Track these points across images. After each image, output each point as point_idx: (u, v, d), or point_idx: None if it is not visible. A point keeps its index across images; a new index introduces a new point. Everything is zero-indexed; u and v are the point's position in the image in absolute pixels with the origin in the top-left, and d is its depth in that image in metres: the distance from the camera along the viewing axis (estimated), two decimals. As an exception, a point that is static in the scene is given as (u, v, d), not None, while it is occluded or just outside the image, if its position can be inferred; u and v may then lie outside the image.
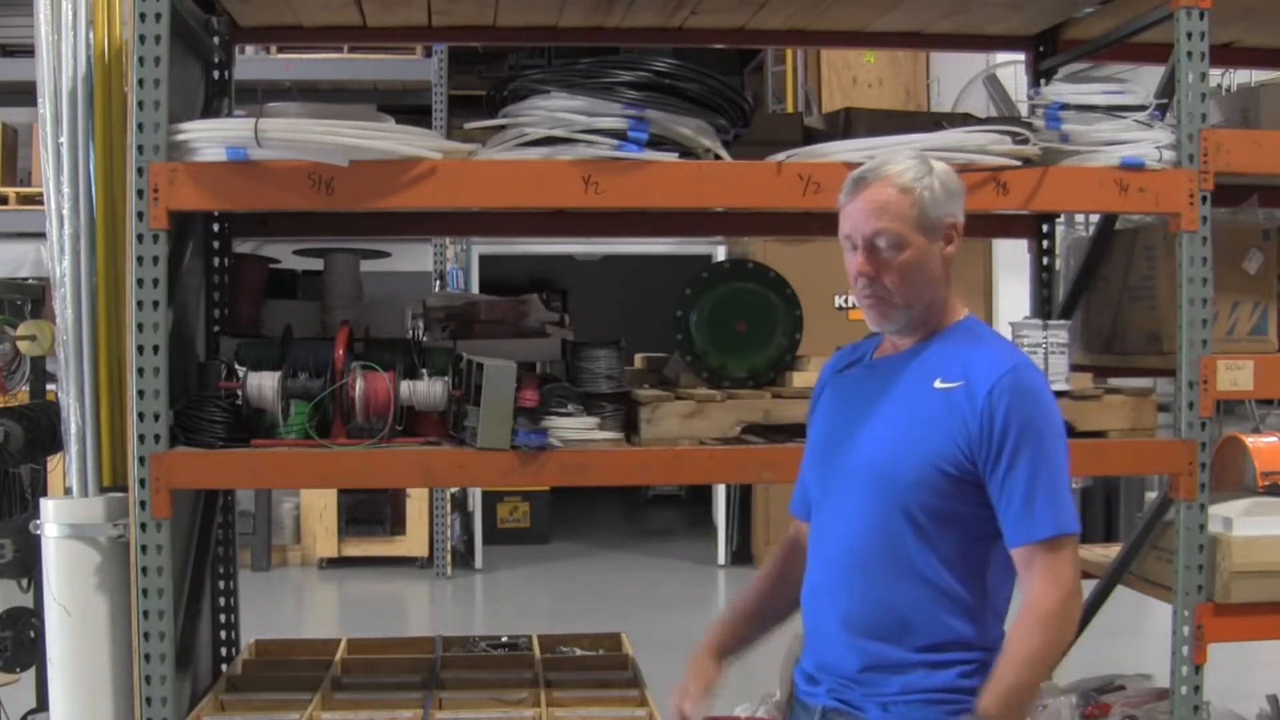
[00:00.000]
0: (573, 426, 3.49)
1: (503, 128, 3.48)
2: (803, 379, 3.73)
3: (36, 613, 4.00)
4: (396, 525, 9.77)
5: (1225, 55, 4.54)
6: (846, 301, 9.59)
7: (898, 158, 2.44)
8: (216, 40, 3.96)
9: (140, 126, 3.21)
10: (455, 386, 3.50)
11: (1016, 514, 2.31)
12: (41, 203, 3.60)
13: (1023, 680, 2.29)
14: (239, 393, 3.44)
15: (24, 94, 6.11)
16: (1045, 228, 4.53)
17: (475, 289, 10.14)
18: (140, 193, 3.21)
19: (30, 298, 4.78)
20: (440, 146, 3.35)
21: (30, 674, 4.21)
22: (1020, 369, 2.37)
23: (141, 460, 3.24)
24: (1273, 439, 5.40)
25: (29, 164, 9.64)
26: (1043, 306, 4.53)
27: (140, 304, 3.21)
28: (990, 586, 2.40)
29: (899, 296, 2.42)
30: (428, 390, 3.50)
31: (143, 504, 3.24)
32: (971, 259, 9.66)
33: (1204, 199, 3.56)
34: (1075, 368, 3.94)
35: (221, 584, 4.16)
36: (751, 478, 3.79)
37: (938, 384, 2.39)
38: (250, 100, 4.33)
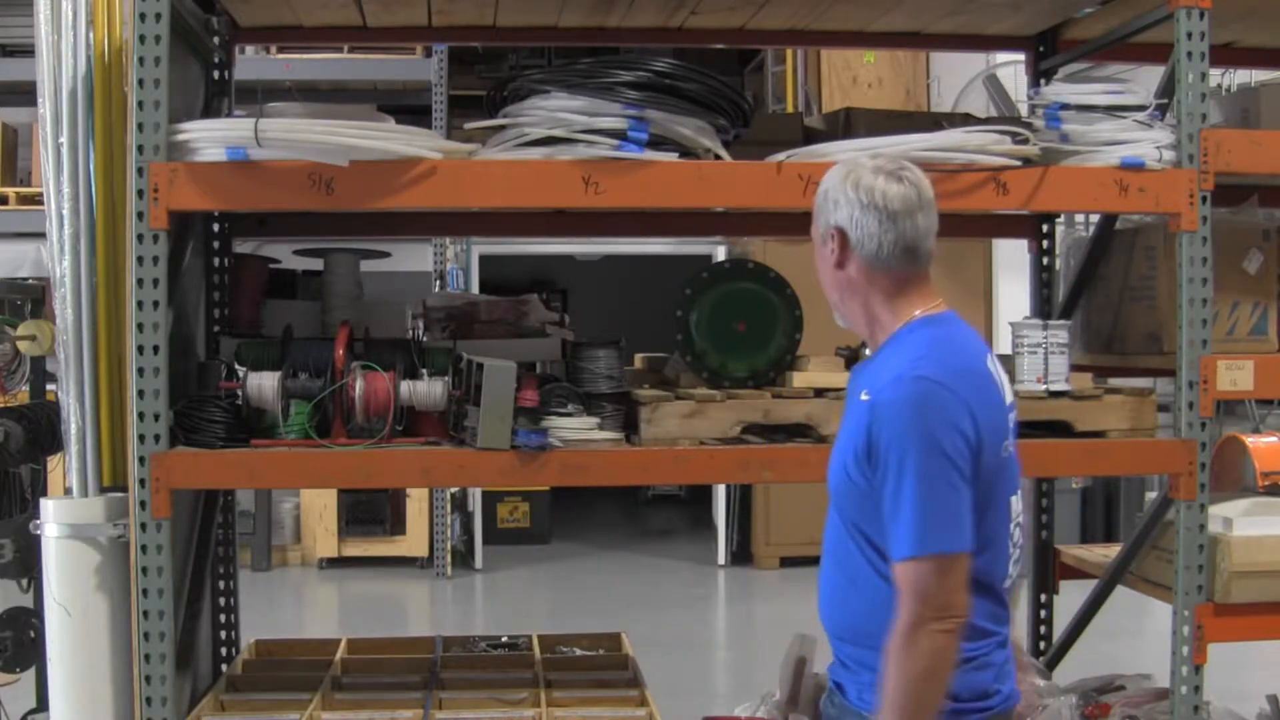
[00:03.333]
0: (573, 426, 3.49)
1: (503, 128, 3.48)
2: (803, 379, 3.73)
3: (36, 613, 3.99)
4: (396, 525, 9.77)
5: (1225, 55, 4.54)
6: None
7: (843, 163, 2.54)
8: (216, 40, 3.96)
9: (140, 126, 3.21)
10: (455, 386, 3.50)
11: (888, 531, 2.35)
12: (41, 203, 3.60)
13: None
14: (239, 393, 3.44)
15: (24, 94, 6.12)
16: (1045, 228, 4.53)
17: (475, 289, 10.14)
18: (140, 193, 3.21)
19: (30, 298, 4.78)
20: (440, 146, 3.35)
21: (30, 674, 4.21)
22: (900, 381, 2.36)
23: (141, 460, 3.24)
24: (1273, 439, 5.41)
25: (29, 164, 9.64)
26: (1043, 306, 4.53)
27: (140, 304, 3.21)
28: None
29: (828, 296, 2.60)
30: (428, 390, 3.50)
31: (143, 504, 3.24)
32: (971, 259, 9.67)
33: (1204, 199, 3.56)
34: (1075, 368, 3.94)
35: (221, 584, 4.16)
36: (751, 478, 3.79)
37: (863, 396, 2.45)
38: (250, 100, 4.34)
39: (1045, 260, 4.55)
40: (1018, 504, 2.53)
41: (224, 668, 4.12)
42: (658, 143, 3.38)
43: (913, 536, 2.30)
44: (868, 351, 2.64)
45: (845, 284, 2.53)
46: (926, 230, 2.48)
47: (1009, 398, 2.56)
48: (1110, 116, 3.62)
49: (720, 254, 9.68)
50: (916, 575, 2.29)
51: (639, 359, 4.29)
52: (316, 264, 4.14)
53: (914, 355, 2.41)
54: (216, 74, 4.05)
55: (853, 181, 2.47)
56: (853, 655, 2.51)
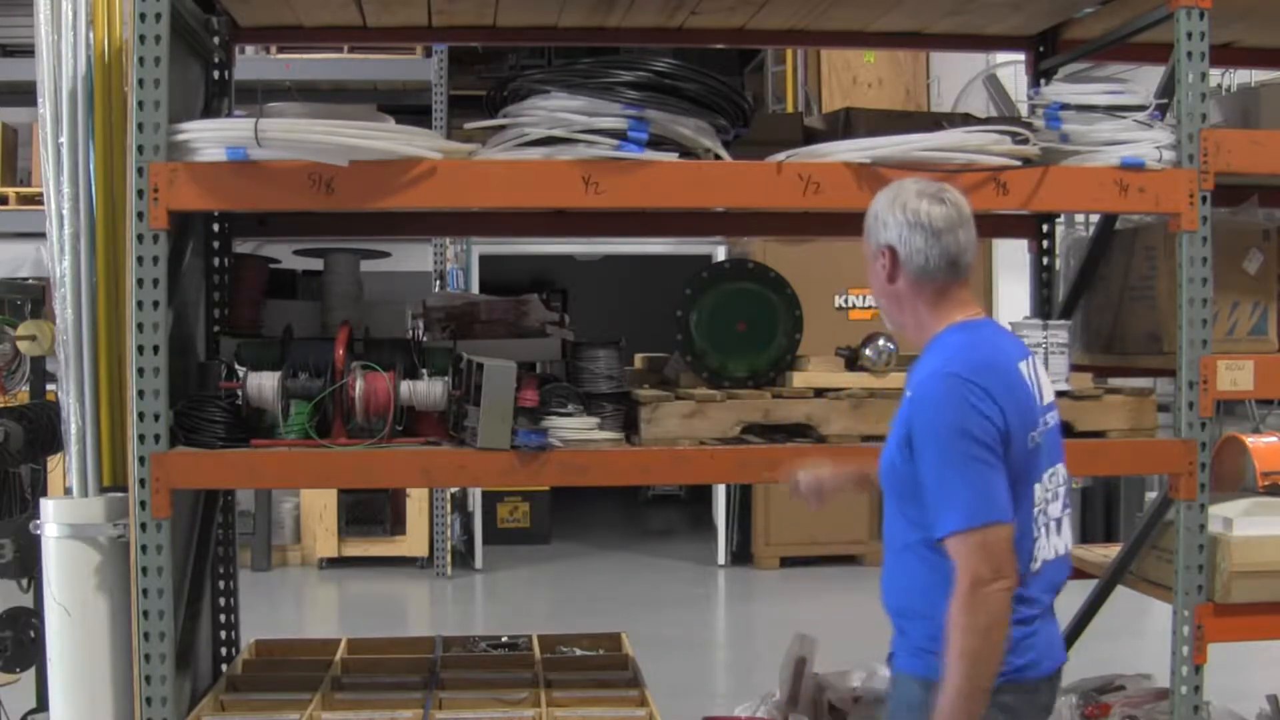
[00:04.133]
0: (573, 426, 3.49)
1: (503, 128, 3.48)
2: (803, 379, 3.73)
3: (36, 613, 3.99)
4: (396, 525, 9.76)
5: (1225, 55, 4.54)
6: (846, 301, 9.61)
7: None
8: (216, 40, 3.96)
9: (140, 126, 3.21)
10: (455, 386, 3.50)
11: (932, 512, 2.61)
12: (41, 203, 3.60)
13: (957, 678, 2.53)
14: (239, 393, 3.44)
15: (24, 94, 6.12)
16: (1045, 228, 4.53)
17: (475, 289, 10.13)
18: (140, 193, 3.21)
19: (30, 298, 4.79)
20: (440, 146, 3.35)
21: (30, 674, 4.21)
22: (927, 380, 2.67)
23: (141, 460, 3.24)
24: (1273, 439, 5.41)
25: (29, 164, 9.64)
26: (1043, 306, 4.53)
27: (140, 304, 3.21)
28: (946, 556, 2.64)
29: (881, 308, 2.88)
30: (428, 390, 3.50)
31: (143, 504, 3.24)
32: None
33: (1204, 199, 3.56)
34: (1075, 368, 3.94)
35: (221, 584, 4.16)
36: (751, 478, 3.79)
37: (907, 394, 2.75)
38: (250, 100, 4.34)
39: (1045, 260, 4.55)
40: (1041, 491, 2.75)
41: (224, 668, 4.12)
42: (658, 143, 3.38)
43: (960, 512, 2.56)
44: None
45: (896, 295, 2.81)
46: (967, 244, 2.76)
47: (1047, 398, 2.83)
48: (1110, 116, 3.62)
49: (720, 254, 9.68)
50: (968, 546, 2.55)
51: (639, 359, 4.29)
52: (316, 264, 4.15)
53: (946, 355, 2.70)
54: (216, 74, 4.05)
55: (900, 204, 2.75)
56: (898, 625, 2.80)
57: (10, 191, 9.32)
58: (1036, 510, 2.73)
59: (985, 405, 2.60)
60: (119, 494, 3.49)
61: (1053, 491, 2.79)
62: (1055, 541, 2.79)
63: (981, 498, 2.56)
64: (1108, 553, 4.26)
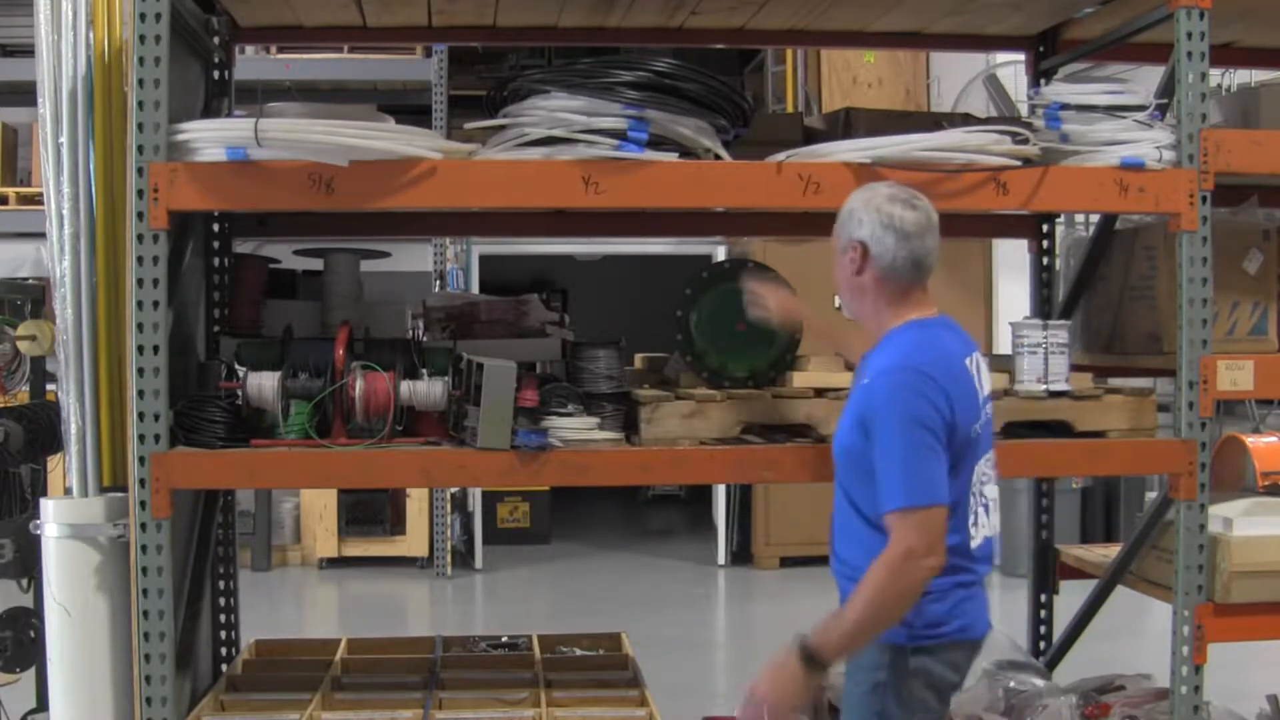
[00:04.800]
0: (573, 426, 3.49)
1: (503, 128, 3.48)
2: (803, 379, 3.73)
3: (36, 613, 3.99)
4: (396, 525, 9.76)
5: (1225, 55, 4.54)
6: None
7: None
8: (216, 40, 3.96)
9: (140, 126, 3.21)
10: (455, 386, 3.50)
11: (880, 488, 2.83)
12: (41, 203, 3.60)
13: (855, 623, 2.80)
14: (239, 393, 3.44)
15: (24, 94, 6.12)
16: (1045, 228, 4.53)
17: (475, 289, 10.12)
18: (140, 193, 3.21)
19: (30, 298, 4.78)
20: (440, 146, 3.35)
21: (30, 674, 4.21)
22: (891, 370, 2.88)
23: (141, 460, 3.24)
24: (1273, 439, 5.42)
25: (29, 164, 9.64)
26: (1043, 306, 4.53)
27: (140, 304, 3.21)
28: None
29: (841, 298, 3.10)
30: (428, 390, 3.50)
31: (143, 504, 3.24)
32: (971, 259, 9.67)
33: (1204, 199, 3.56)
34: (1075, 368, 3.94)
35: (221, 584, 4.16)
36: (751, 478, 3.79)
37: (863, 381, 2.97)
38: (250, 100, 4.33)
39: (1045, 260, 4.55)
40: (979, 473, 3.00)
41: (224, 668, 4.12)
42: (658, 143, 3.38)
43: (903, 491, 2.78)
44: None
45: (859, 287, 3.02)
46: (932, 248, 2.98)
47: (986, 391, 3.06)
48: (1110, 116, 3.62)
49: (720, 254, 9.68)
50: (908, 523, 2.77)
51: (639, 359, 4.29)
52: (316, 264, 4.15)
53: (904, 350, 2.92)
54: (216, 74, 4.05)
55: (874, 206, 2.96)
56: (842, 587, 3.02)
57: (10, 191, 9.32)
58: (973, 491, 2.98)
59: (937, 398, 2.83)
60: (119, 494, 3.49)
61: (988, 476, 3.03)
62: (991, 520, 3.04)
63: (925, 481, 2.79)
64: (1108, 553, 4.26)
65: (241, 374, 3.46)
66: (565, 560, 10.37)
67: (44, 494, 4.18)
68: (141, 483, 3.24)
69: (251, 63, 9.01)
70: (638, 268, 12.86)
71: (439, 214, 4.32)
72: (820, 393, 3.66)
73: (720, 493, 10.27)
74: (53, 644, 3.50)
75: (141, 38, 3.20)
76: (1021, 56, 4.56)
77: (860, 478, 2.93)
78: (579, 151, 3.36)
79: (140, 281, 3.21)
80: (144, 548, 3.23)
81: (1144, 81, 3.87)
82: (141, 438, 3.23)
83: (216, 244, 4.08)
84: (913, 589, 2.78)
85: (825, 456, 3.52)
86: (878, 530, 2.86)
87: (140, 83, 3.20)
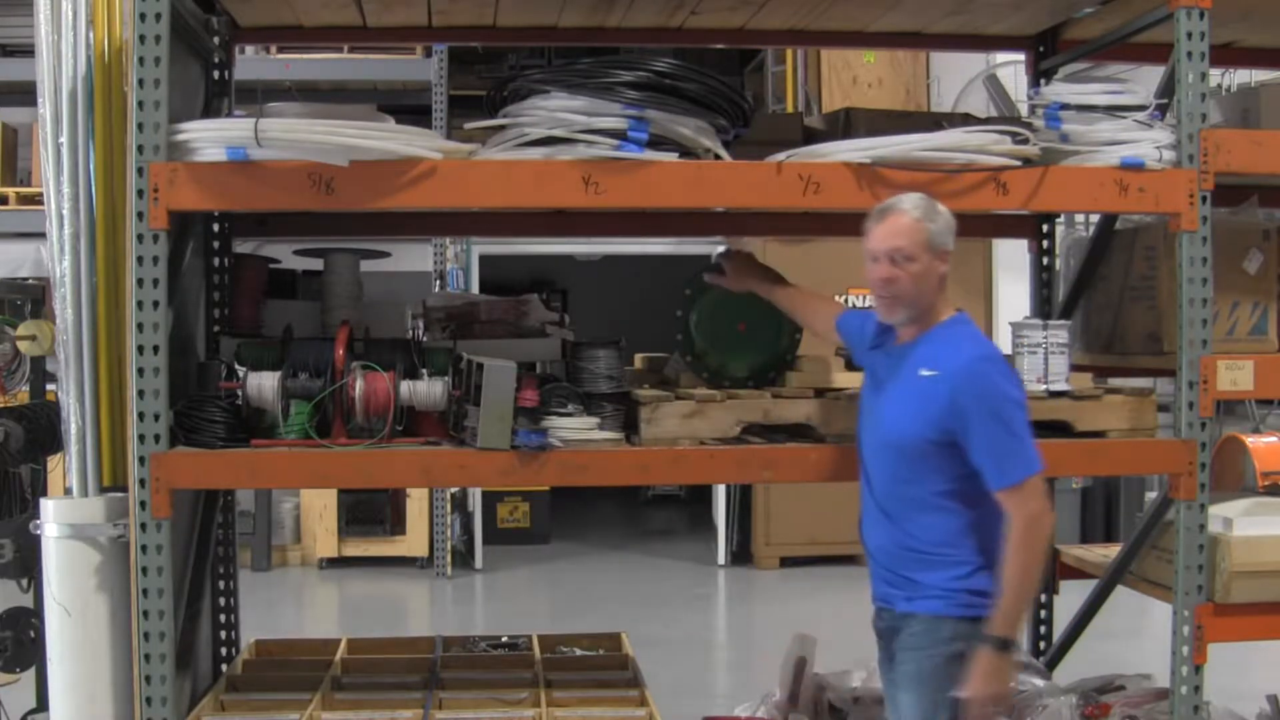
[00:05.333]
0: (573, 426, 3.49)
1: (503, 128, 3.48)
2: (802, 379, 3.73)
3: (36, 613, 3.99)
4: (396, 525, 9.76)
5: (1225, 55, 4.54)
6: (846, 302, 9.59)
7: (911, 197, 3.20)
8: (216, 40, 3.96)
9: (140, 126, 3.21)
10: (455, 386, 3.50)
11: (992, 468, 3.06)
12: (41, 203, 3.60)
13: (1019, 590, 3.07)
14: (239, 393, 3.44)
15: (24, 94, 6.12)
16: (1045, 228, 4.53)
17: (475, 289, 10.12)
18: (140, 193, 3.21)
19: (30, 298, 4.79)
20: (440, 146, 3.35)
21: (30, 674, 4.21)
22: (977, 359, 3.12)
23: (141, 460, 3.24)
24: (1273, 439, 5.42)
25: (29, 164, 9.63)
26: (1043, 306, 4.53)
27: (140, 304, 3.21)
28: (972, 508, 3.14)
29: (906, 296, 3.17)
30: (428, 390, 3.50)
31: (143, 504, 3.24)
32: (971, 259, 9.66)
33: (1204, 199, 3.56)
34: (1075, 368, 3.94)
35: (221, 584, 4.16)
36: (751, 478, 3.79)
37: (922, 372, 3.14)
38: (250, 100, 4.34)
39: (1045, 260, 4.55)
40: None
41: (224, 668, 4.12)
42: (658, 143, 3.38)
43: (1020, 465, 3.06)
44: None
45: (934, 288, 3.18)
46: None
47: None
48: (1110, 116, 3.62)
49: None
50: (1028, 490, 3.06)
51: (639, 359, 4.29)
52: (316, 264, 4.15)
53: (974, 340, 3.19)
54: (216, 74, 4.05)
55: (939, 210, 3.18)
56: (908, 576, 3.21)
57: (10, 191, 9.31)
58: None
59: (1018, 380, 3.19)
60: (119, 494, 3.49)
61: None
62: None
63: (1035, 452, 3.09)
64: (1108, 553, 4.26)
65: (241, 374, 3.46)
66: (565, 560, 10.37)
67: (44, 494, 4.18)
68: (141, 483, 3.24)
69: (251, 63, 9.01)
70: (638, 268, 12.84)
71: (439, 214, 4.32)
72: (820, 393, 3.66)
73: (720, 493, 10.27)
74: (53, 644, 3.50)
75: (141, 38, 3.20)
76: (1021, 56, 4.56)
77: (930, 460, 3.12)
78: (579, 151, 3.36)
79: (140, 281, 3.21)
80: (144, 548, 3.23)
81: (1144, 81, 3.86)
82: (141, 438, 3.23)
83: (216, 244, 4.08)
84: (1046, 548, 3.12)
85: (825, 456, 3.53)
86: (951, 500, 3.13)
87: (140, 83, 3.20)
